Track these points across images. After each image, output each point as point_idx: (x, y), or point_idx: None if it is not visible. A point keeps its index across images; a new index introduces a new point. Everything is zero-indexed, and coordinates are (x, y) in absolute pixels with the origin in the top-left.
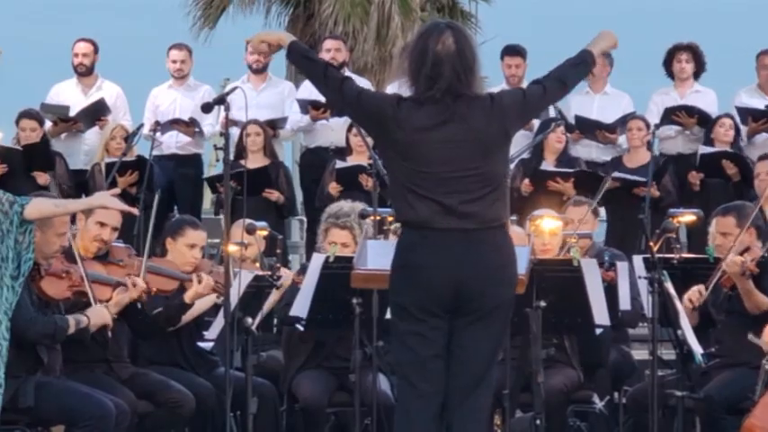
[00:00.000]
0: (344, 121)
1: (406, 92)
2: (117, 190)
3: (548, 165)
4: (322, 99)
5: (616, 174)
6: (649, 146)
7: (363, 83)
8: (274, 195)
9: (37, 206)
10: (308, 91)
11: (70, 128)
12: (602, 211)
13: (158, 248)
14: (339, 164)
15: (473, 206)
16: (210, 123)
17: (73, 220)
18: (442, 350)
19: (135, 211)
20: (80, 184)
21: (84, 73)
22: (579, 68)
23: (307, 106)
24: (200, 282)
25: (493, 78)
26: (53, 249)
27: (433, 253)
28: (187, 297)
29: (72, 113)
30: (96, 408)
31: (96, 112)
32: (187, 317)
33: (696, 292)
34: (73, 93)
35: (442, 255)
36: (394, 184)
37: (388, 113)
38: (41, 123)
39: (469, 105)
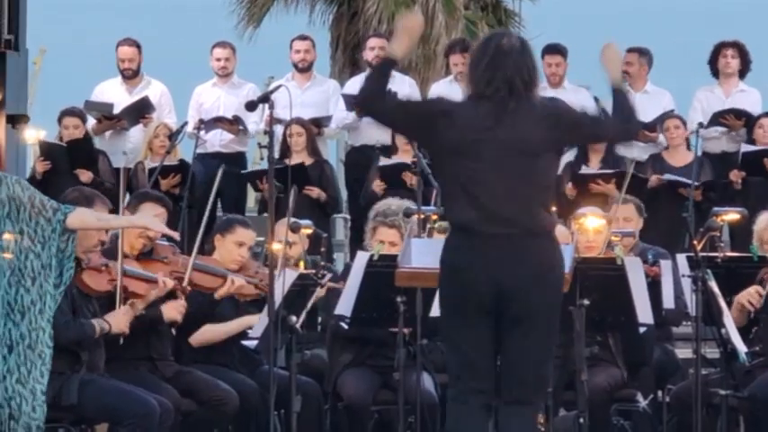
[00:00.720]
0: None
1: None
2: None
3: (592, 166)
4: None
5: (667, 176)
6: (689, 144)
7: (408, 82)
8: (314, 192)
9: (80, 216)
10: (354, 87)
11: (114, 125)
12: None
13: (207, 245)
14: (383, 161)
15: (518, 212)
16: (255, 121)
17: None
18: (490, 348)
19: (176, 235)
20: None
21: (131, 77)
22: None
23: (352, 102)
24: (232, 282)
25: None
26: (93, 242)
27: (476, 257)
28: (218, 294)
29: (116, 111)
30: (140, 406)
31: (140, 110)
32: (233, 328)
33: (755, 294)
34: (117, 91)
35: (484, 259)
36: (443, 187)
37: (440, 114)
38: (84, 121)
39: (524, 110)
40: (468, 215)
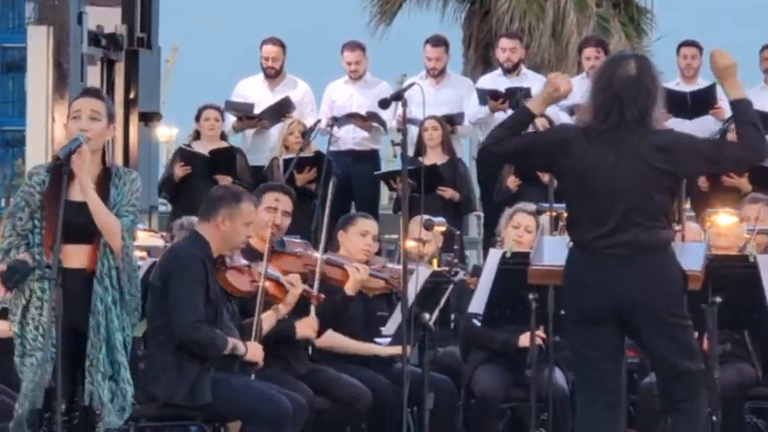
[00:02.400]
0: None
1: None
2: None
3: None
4: (501, 89)
5: None
6: None
7: (540, 79)
8: (448, 193)
9: None
10: (487, 83)
11: (255, 125)
12: None
13: (331, 244)
14: None
15: (635, 234)
16: (388, 119)
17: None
18: (613, 353)
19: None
20: (261, 179)
21: (274, 75)
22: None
23: (485, 96)
24: (358, 270)
25: (668, 73)
26: (240, 239)
27: (595, 274)
28: (348, 288)
29: (258, 110)
30: (273, 406)
31: (281, 110)
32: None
33: None
34: (260, 89)
35: (603, 276)
36: (568, 205)
37: (558, 144)
38: (223, 117)
39: (643, 137)
40: (587, 234)
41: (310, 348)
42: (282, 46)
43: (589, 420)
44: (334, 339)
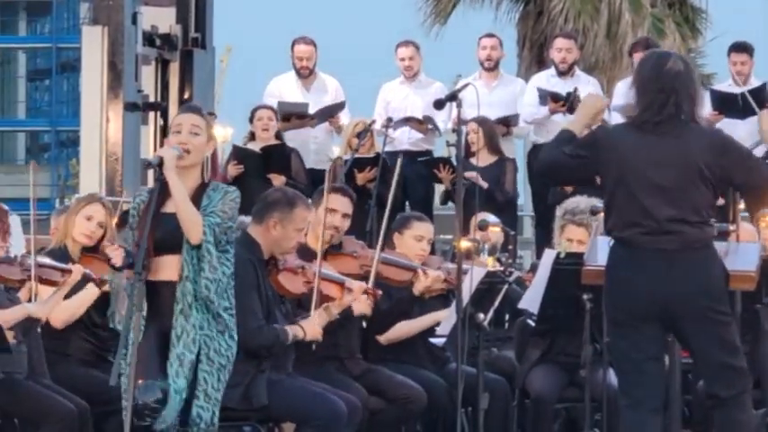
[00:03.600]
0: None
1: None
2: None
3: None
4: (563, 92)
5: None
6: None
7: (593, 82)
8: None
9: None
10: (541, 81)
11: (304, 125)
12: None
13: (386, 245)
14: None
15: (678, 228)
16: (443, 120)
17: None
18: (656, 354)
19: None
20: (318, 180)
21: (307, 75)
22: None
23: (546, 97)
24: (425, 274)
25: (721, 75)
26: (291, 245)
27: (637, 271)
28: (416, 290)
29: (308, 110)
30: (328, 409)
31: (333, 112)
32: (425, 323)
33: None
34: (293, 87)
35: (646, 273)
36: (608, 201)
37: (603, 143)
38: (276, 117)
39: (687, 132)
40: (631, 230)
41: (313, 346)
42: (314, 45)
43: (634, 425)
44: (399, 329)
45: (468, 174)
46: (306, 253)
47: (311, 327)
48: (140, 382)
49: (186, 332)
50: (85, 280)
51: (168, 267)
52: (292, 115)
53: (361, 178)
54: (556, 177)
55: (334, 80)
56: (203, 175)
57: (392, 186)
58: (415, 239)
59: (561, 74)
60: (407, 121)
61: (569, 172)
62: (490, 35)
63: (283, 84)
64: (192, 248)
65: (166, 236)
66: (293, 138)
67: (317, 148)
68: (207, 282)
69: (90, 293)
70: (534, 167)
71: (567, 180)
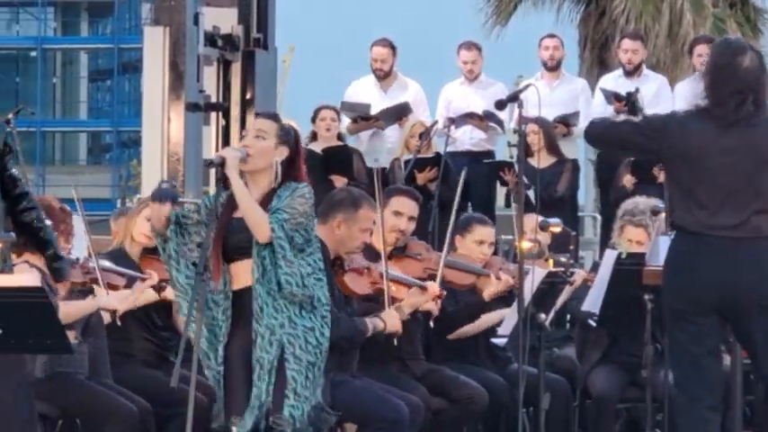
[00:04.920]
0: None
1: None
2: None
3: None
4: (622, 90)
5: None
6: None
7: (661, 80)
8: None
9: None
10: (612, 82)
11: (371, 126)
12: None
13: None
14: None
15: (744, 217)
16: (504, 120)
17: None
18: (715, 348)
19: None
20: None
21: (383, 77)
22: None
23: (611, 97)
24: (498, 279)
25: None
26: (356, 245)
27: (704, 259)
28: (486, 295)
29: (373, 112)
30: (391, 411)
31: (399, 113)
32: (492, 319)
33: None
34: (371, 90)
35: (712, 261)
36: (673, 190)
37: (672, 126)
38: (339, 117)
39: (756, 122)
40: (693, 220)
41: (395, 341)
42: (392, 47)
43: (694, 422)
44: (465, 332)
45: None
46: (371, 254)
47: (391, 318)
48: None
49: (261, 335)
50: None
51: (242, 273)
52: (357, 116)
53: (421, 178)
54: (609, 140)
55: (415, 83)
56: (276, 179)
57: (456, 195)
58: (476, 243)
59: (628, 74)
60: (469, 117)
61: (627, 138)
62: (552, 35)
63: (362, 86)
64: (264, 249)
65: (239, 240)
66: (366, 139)
67: (392, 148)
68: (286, 276)
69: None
70: (588, 128)
71: (619, 145)
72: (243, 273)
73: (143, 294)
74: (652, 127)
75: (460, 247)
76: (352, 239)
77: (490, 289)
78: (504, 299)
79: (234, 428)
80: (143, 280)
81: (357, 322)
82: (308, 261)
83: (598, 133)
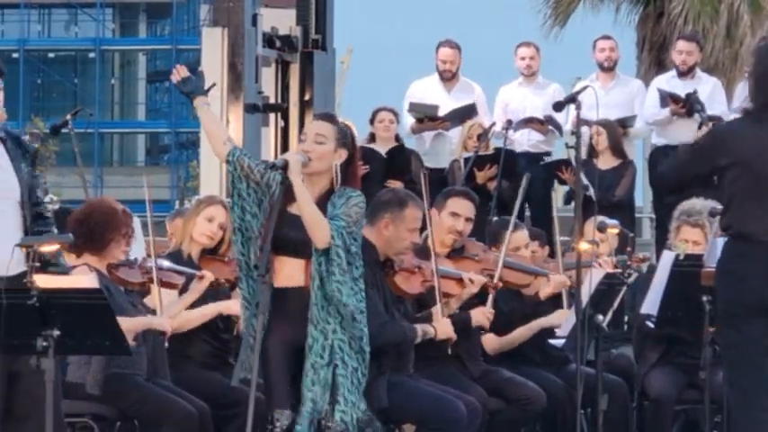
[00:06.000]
0: (696, 118)
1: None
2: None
3: None
4: (677, 92)
5: None
6: None
7: (714, 82)
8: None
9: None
10: (665, 83)
11: (436, 126)
12: None
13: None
14: None
15: None
16: (561, 122)
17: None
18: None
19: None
20: (439, 180)
21: (450, 78)
22: None
23: (667, 98)
24: (553, 280)
25: None
26: (404, 245)
27: (756, 264)
28: (543, 294)
29: (437, 112)
30: (449, 411)
31: (465, 115)
32: (550, 321)
33: None
34: (435, 90)
35: (763, 267)
36: (728, 194)
37: (729, 133)
38: (397, 119)
39: None
40: (747, 225)
41: (449, 349)
42: (458, 48)
43: (748, 422)
44: (520, 334)
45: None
46: (427, 255)
47: (443, 326)
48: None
49: (316, 340)
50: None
51: (293, 271)
52: (424, 117)
53: (481, 177)
54: (684, 181)
55: (477, 86)
56: (333, 182)
57: (518, 198)
58: (512, 251)
59: (682, 75)
60: (529, 122)
61: (694, 170)
62: (607, 37)
63: (425, 86)
64: (321, 255)
65: (291, 235)
66: (428, 139)
67: (454, 149)
68: (337, 284)
69: (208, 311)
70: (662, 182)
71: (694, 179)
72: (287, 270)
73: (207, 310)
74: (709, 146)
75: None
76: (400, 240)
77: (546, 290)
78: (558, 300)
79: (278, 423)
80: (200, 278)
81: (406, 328)
82: (357, 268)
83: (674, 181)
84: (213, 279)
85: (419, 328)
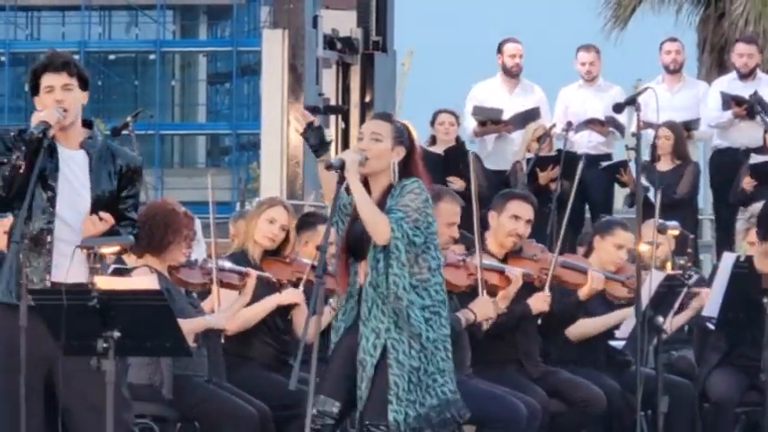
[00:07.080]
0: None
1: None
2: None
3: None
4: (744, 95)
5: None
6: None
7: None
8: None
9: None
10: (726, 85)
11: (499, 130)
12: None
13: (585, 246)
14: (754, 158)
15: None
16: (624, 124)
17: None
18: None
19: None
20: (501, 182)
21: (517, 74)
22: None
23: (729, 101)
24: (592, 278)
25: None
26: (442, 239)
27: None
28: (582, 294)
29: (501, 116)
30: (508, 411)
31: (529, 118)
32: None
33: None
34: (497, 92)
35: None
36: None
37: None
38: (458, 121)
39: None
40: None
41: (484, 326)
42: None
43: None
44: (581, 326)
45: None
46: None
47: (481, 307)
48: (321, 397)
49: (366, 337)
50: (268, 285)
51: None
52: (488, 120)
53: (543, 177)
54: None
55: (540, 89)
56: (394, 179)
57: (572, 192)
58: (615, 247)
59: (742, 77)
60: (589, 123)
61: None
62: (673, 39)
63: (487, 88)
64: (380, 251)
65: (355, 241)
66: (491, 142)
67: (517, 151)
68: (395, 278)
69: (268, 304)
70: None
71: None
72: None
73: (266, 304)
74: None
75: (598, 248)
76: (439, 234)
77: (585, 289)
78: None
79: (319, 408)
80: (246, 275)
81: (451, 319)
82: (430, 261)
83: None
84: (257, 276)
85: (461, 315)
